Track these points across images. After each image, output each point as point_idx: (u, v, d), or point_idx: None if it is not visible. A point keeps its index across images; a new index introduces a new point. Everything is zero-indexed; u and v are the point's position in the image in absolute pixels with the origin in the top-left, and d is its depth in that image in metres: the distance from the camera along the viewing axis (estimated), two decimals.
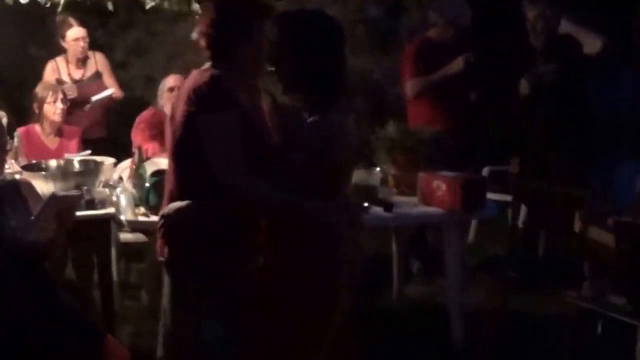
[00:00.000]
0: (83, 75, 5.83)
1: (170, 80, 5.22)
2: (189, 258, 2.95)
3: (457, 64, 5.29)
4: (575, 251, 4.30)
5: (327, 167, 2.82)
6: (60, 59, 5.83)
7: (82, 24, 5.77)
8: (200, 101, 2.87)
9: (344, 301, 2.90)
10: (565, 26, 5.17)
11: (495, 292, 4.38)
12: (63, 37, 5.75)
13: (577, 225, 4.27)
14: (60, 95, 5.08)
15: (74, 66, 5.82)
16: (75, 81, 5.73)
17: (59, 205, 3.29)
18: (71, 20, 5.70)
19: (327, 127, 2.81)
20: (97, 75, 5.86)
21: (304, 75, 2.85)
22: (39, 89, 5.12)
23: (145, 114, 5.26)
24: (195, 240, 2.92)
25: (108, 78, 5.91)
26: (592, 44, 5.07)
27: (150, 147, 4.95)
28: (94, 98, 5.67)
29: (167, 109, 5.08)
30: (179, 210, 2.93)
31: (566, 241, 4.59)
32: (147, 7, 5.13)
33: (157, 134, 5.07)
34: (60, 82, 5.63)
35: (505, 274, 4.31)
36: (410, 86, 5.38)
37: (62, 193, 3.60)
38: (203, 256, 2.92)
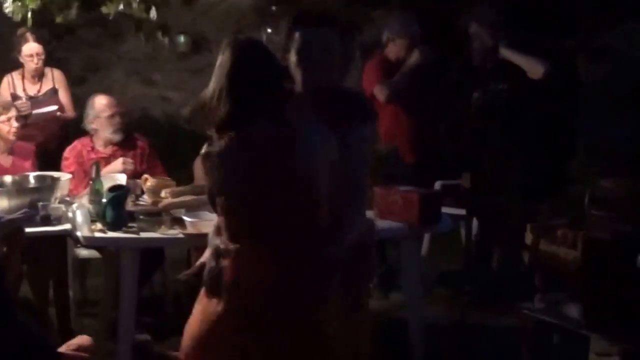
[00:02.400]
0: (38, 91, 5.77)
1: (103, 102, 5.03)
2: None
3: (414, 57, 5.39)
4: (527, 264, 4.37)
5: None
6: (16, 74, 5.78)
7: (40, 40, 5.70)
8: None
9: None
10: (505, 53, 5.26)
11: (454, 306, 4.43)
12: (19, 51, 5.69)
13: (528, 239, 4.35)
14: (15, 113, 4.99)
15: (29, 82, 5.77)
16: (30, 97, 5.67)
17: (3, 230, 3.24)
18: (28, 35, 5.65)
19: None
20: (54, 91, 5.80)
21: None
22: None
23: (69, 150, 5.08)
24: None
25: (64, 95, 5.84)
26: (534, 71, 5.15)
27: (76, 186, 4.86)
28: (35, 111, 5.57)
29: (108, 134, 4.98)
30: None
31: (518, 254, 4.67)
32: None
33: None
34: (15, 97, 5.60)
35: (463, 289, 4.36)
36: (378, 90, 5.40)
37: (6, 217, 3.55)
38: None
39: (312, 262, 2.76)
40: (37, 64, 5.70)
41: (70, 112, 5.88)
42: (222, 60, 2.76)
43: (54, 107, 5.73)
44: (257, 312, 2.75)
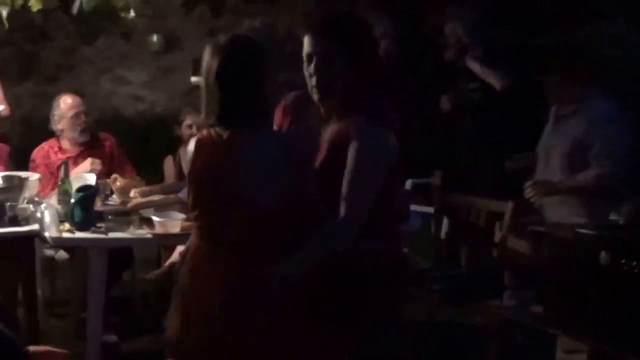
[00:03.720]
0: None
1: (68, 101, 4.98)
2: None
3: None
4: (496, 261, 4.39)
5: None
6: None
7: None
8: None
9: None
10: (471, 65, 5.29)
11: (423, 304, 4.44)
12: None
13: (497, 236, 4.38)
14: None
15: None
16: None
17: None
18: None
19: None
20: None
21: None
22: None
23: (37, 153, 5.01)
24: None
25: None
26: (495, 84, 5.20)
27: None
28: None
29: (75, 135, 4.95)
30: None
31: (487, 252, 4.69)
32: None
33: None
34: None
35: (432, 287, 4.38)
36: None
37: None
38: None
39: (254, 278, 2.67)
40: None
41: (6, 110, 5.72)
42: (209, 59, 2.74)
43: (1, 107, 5.60)
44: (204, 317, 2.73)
